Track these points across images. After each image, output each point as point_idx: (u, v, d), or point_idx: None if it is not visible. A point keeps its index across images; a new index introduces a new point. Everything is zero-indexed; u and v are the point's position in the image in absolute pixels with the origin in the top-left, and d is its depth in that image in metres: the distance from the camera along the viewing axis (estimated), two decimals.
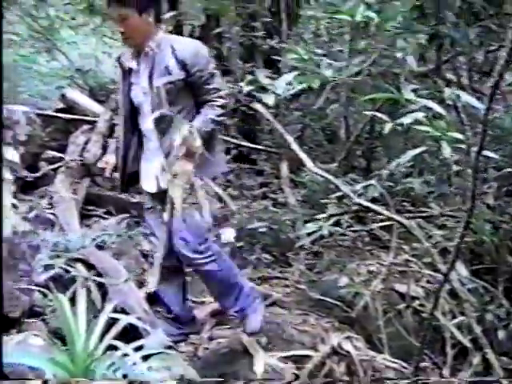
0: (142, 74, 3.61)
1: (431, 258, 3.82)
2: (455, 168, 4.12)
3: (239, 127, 7.54)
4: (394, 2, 4.21)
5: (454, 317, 3.95)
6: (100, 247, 4.48)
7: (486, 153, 2.85)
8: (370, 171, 6.07)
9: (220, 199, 3.64)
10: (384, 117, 3.00)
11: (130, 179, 3.84)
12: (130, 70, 3.66)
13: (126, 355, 2.83)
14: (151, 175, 3.72)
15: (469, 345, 3.80)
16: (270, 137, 6.94)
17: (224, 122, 3.71)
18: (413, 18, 4.36)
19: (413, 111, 2.98)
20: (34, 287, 3.89)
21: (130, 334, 3.22)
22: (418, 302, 4.07)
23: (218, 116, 3.53)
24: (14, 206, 4.60)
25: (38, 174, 5.70)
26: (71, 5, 11.70)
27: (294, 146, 3.96)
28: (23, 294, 3.86)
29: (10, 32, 11.86)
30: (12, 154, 5.23)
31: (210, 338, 3.94)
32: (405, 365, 3.60)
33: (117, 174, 3.89)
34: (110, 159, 3.90)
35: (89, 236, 4.51)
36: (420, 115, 2.91)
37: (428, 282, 4.23)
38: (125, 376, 2.74)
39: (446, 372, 3.81)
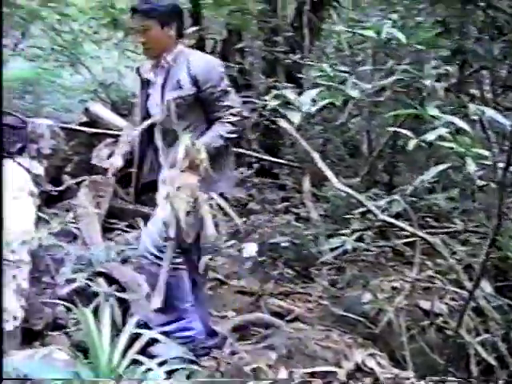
0: (157, 86, 3.63)
1: (456, 274, 3.79)
2: (479, 183, 4.08)
3: (261, 141, 7.57)
4: (418, 17, 4.21)
5: (479, 334, 3.90)
6: (122, 261, 4.49)
7: None
8: (392, 186, 6.04)
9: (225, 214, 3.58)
10: (408, 133, 2.99)
11: (145, 189, 3.83)
12: (148, 81, 3.69)
13: (149, 370, 2.84)
14: None
15: (494, 362, 3.76)
16: (293, 151, 6.95)
17: (234, 140, 3.65)
18: (436, 34, 4.35)
19: (435, 128, 2.97)
20: (57, 300, 3.92)
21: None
22: (441, 318, 4.03)
23: (228, 133, 3.51)
24: (45, 220, 4.62)
25: (61, 188, 5.74)
26: (94, 19, 11.81)
27: (320, 163, 3.95)
28: (46, 307, 3.89)
29: (33, 46, 12.01)
30: (36, 168, 5.26)
31: (233, 353, 3.92)
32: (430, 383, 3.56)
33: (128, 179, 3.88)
34: (116, 161, 3.86)
35: (112, 250, 4.53)
36: (444, 131, 2.90)
37: (452, 298, 4.19)
38: None
39: None
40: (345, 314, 4.17)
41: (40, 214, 4.63)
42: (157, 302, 3.40)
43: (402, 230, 4.04)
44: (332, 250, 4.19)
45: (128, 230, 5.51)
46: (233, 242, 5.46)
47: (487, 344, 3.86)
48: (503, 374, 3.67)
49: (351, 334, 4.00)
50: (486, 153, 2.90)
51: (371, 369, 3.56)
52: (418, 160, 6.11)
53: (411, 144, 2.84)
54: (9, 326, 3.47)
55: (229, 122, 3.51)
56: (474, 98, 5.15)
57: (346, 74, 3.74)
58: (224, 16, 8.18)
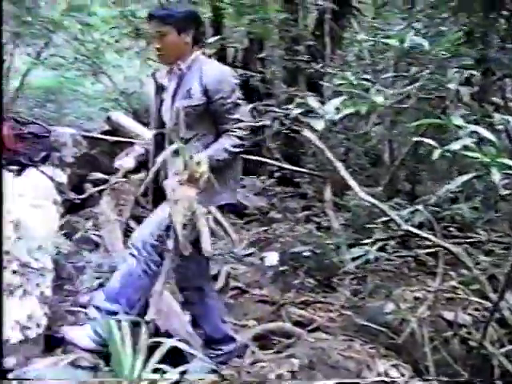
0: (169, 92, 3.60)
1: (479, 285, 3.75)
2: (504, 192, 4.04)
3: (282, 150, 7.58)
4: (441, 26, 4.19)
5: (503, 345, 3.85)
6: None
7: None
8: (414, 195, 6.02)
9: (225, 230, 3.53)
10: (432, 142, 2.97)
11: (163, 195, 3.80)
12: (163, 86, 3.66)
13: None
14: None
15: None
16: (314, 160, 6.94)
17: (240, 153, 3.59)
18: (459, 43, 4.33)
19: (459, 137, 2.95)
20: (79, 308, 3.94)
21: (174, 356, 3.23)
22: (465, 329, 3.99)
23: (234, 147, 3.46)
24: (68, 228, 4.65)
25: (84, 196, 5.77)
26: (116, 28, 11.90)
27: (343, 173, 3.93)
28: (68, 315, 3.91)
29: (56, 55, 12.11)
30: (60, 176, 5.30)
31: (254, 362, 3.91)
32: None
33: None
34: (126, 163, 3.86)
35: None
36: (469, 141, 2.88)
37: (476, 309, 4.14)
38: None
39: None
40: (367, 324, 4.14)
41: (63, 222, 4.67)
42: (151, 313, 3.38)
43: (425, 239, 4.00)
44: (354, 259, 4.16)
45: None
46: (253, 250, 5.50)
47: (511, 355, 3.82)
48: None
49: (373, 344, 3.97)
50: (511, 162, 2.87)
51: (394, 380, 3.53)
52: (440, 169, 6.08)
53: (436, 154, 2.82)
54: (32, 334, 3.48)
55: (236, 136, 3.47)
56: (498, 108, 5.10)
57: (369, 83, 3.72)
58: (245, 25, 8.19)
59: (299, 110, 3.46)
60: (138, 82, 11.62)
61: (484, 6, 5.01)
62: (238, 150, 3.49)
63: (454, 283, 4.28)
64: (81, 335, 3.48)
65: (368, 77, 3.79)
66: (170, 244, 3.34)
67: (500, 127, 3.38)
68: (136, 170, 3.89)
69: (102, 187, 5.87)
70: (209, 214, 3.35)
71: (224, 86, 3.47)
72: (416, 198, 5.30)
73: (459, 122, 2.97)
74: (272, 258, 5.25)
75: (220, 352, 3.84)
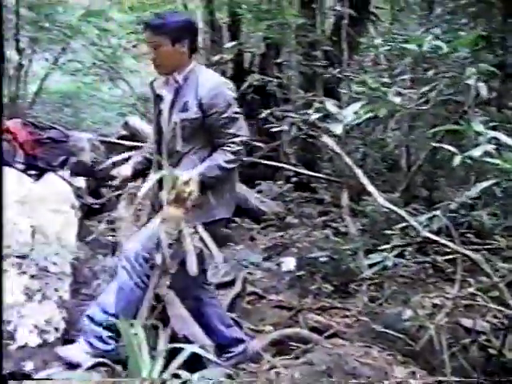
0: (166, 104, 3.52)
1: (499, 292, 3.72)
2: None
3: (299, 155, 7.57)
4: (460, 32, 4.18)
5: None
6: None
7: None
8: (431, 201, 5.99)
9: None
10: (452, 149, 2.95)
11: None
12: (161, 96, 3.58)
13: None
14: None
15: None
16: (331, 165, 6.93)
17: (233, 169, 3.53)
18: (478, 48, 4.31)
19: (477, 144, 2.93)
20: None
21: (190, 361, 3.24)
22: (484, 337, 3.96)
23: (228, 162, 3.41)
24: (85, 233, 4.67)
25: (102, 201, 5.79)
26: (134, 33, 11.96)
27: (363, 179, 3.92)
28: None
29: (74, 60, 12.20)
30: (78, 181, 5.33)
31: (270, 368, 3.90)
32: None
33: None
34: (124, 170, 3.77)
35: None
36: (489, 147, 2.86)
37: (494, 316, 4.11)
38: None
39: None
40: (385, 330, 4.12)
41: (80, 227, 4.69)
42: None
43: (444, 246, 3.97)
44: (371, 265, 4.14)
45: None
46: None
47: None
48: None
49: (391, 351, 3.95)
50: None
51: None
52: (457, 175, 6.05)
53: (456, 160, 2.80)
54: (50, 338, 3.51)
55: (230, 151, 3.41)
56: None
57: (387, 87, 3.71)
58: (262, 30, 8.21)
59: (317, 115, 3.43)
60: None
61: (503, 11, 5.00)
62: (231, 165, 3.44)
63: (472, 290, 4.23)
64: (76, 351, 3.41)
65: (386, 80, 3.77)
66: (158, 259, 3.29)
67: None
68: (134, 178, 3.84)
69: (119, 192, 5.90)
70: (196, 233, 3.29)
71: (219, 101, 3.40)
72: (433, 204, 5.27)
73: (479, 127, 2.96)
74: (289, 263, 5.24)
75: (230, 355, 3.83)
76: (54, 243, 4.13)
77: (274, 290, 5.07)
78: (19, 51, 12.32)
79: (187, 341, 3.49)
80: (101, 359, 3.28)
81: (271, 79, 7.07)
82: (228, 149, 3.42)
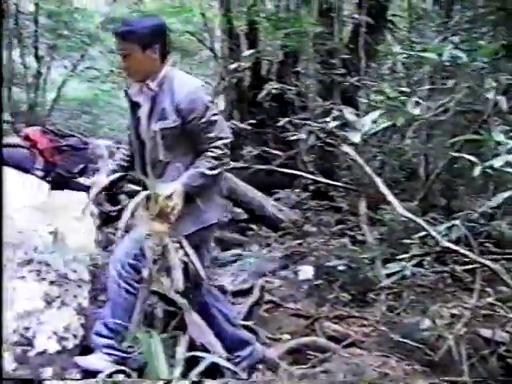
0: (144, 112, 3.38)
1: None
2: None
3: (317, 163, 7.56)
4: (480, 41, 4.16)
5: None
6: None
7: None
8: (449, 210, 5.96)
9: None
10: (472, 158, 2.94)
11: None
12: (138, 103, 3.44)
13: None
14: None
15: None
16: (348, 173, 6.92)
17: (218, 175, 3.43)
18: (498, 57, 4.30)
19: (497, 153, 2.92)
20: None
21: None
22: (503, 347, 3.93)
23: (211, 169, 3.32)
24: (103, 240, 4.68)
25: (119, 207, 5.80)
26: None
27: (383, 188, 3.91)
28: None
29: (92, 68, 12.29)
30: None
31: (288, 376, 3.89)
32: None
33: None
34: (99, 180, 3.68)
35: None
36: (511, 157, 2.85)
37: None
38: None
39: None
40: (403, 340, 4.09)
41: (99, 234, 4.71)
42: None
43: (463, 256, 3.95)
44: (390, 275, 4.12)
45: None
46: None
47: None
48: None
49: (409, 360, 3.93)
50: None
51: None
52: (476, 184, 6.02)
53: (477, 170, 2.79)
54: (69, 344, 3.52)
55: (212, 157, 3.33)
56: None
57: (406, 96, 3.70)
58: (280, 38, 8.23)
59: (336, 123, 3.42)
60: None
61: None
62: (215, 171, 3.36)
63: (491, 300, 4.22)
64: (95, 360, 3.42)
65: (405, 89, 3.76)
66: (144, 273, 3.23)
67: None
68: (111, 186, 3.78)
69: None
70: (180, 248, 3.21)
71: (197, 105, 3.31)
72: (451, 213, 5.25)
73: (500, 137, 2.94)
74: (307, 271, 5.23)
75: (238, 359, 3.77)
76: (73, 250, 4.14)
77: (292, 299, 5.05)
78: (38, 59, 12.44)
79: (204, 349, 3.49)
80: (120, 367, 3.29)
81: (289, 87, 7.07)
82: (211, 154, 3.33)
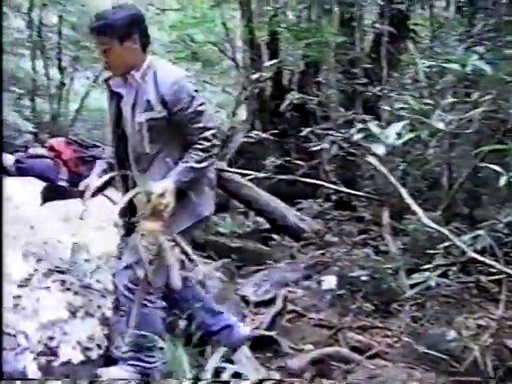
0: (128, 104, 3.33)
1: None
2: None
3: (339, 173, 7.54)
4: (505, 50, 4.13)
5: None
6: None
7: None
8: (473, 219, 5.90)
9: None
10: (498, 168, 2.92)
11: None
12: (120, 95, 3.38)
13: None
14: None
15: None
16: (371, 183, 6.88)
17: (208, 168, 3.39)
18: None
19: None
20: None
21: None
22: None
23: (200, 162, 3.27)
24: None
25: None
26: (173, 52, 12.10)
27: (408, 199, 3.88)
28: None
29: None
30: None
31: None
32: None
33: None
34: (91, 182, 3.57)
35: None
36: None
37: None
38: None
39: None
40: (428, 351, 4.05)
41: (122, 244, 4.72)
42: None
43: (489, 266, 3.91)
44: (414, 285, 4.09)
45: (207, 260, 5.53)
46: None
47: None
48: None
49: (435, 372, 3.88)
50: None
51: None
52: (500, 193, 5.96)
53: (502, 181, 2.77)
54: (93, 355, 3.53)
55: (200, 149, 3.27)
56: None
57: (430, 107, 3.68)
58: (301, 48, 8.24)
59: (360, 135, 3.40)
60: None
61: None
62: (204, 164, 3.31)
63: None
64: (119, 371, 3.41)
65: (429, 101, 3.73)
66: (139, 273, 3.24)
67: None
68: (104, 186, 3.70)
69: None
70: (176, 245, 3.24)
71: (182, 95, 3.24)
72: (475, 222, 5.20)
73: None
74: (330, 281, 5.20)
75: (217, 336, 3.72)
76: (97, 260, 4.16)
77: (315, 309, 5.02)
78: (61, 70, 12.57)
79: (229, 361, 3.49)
80: (144, 378, 3.30)
81: (311, 97, 7.06)
82: (199, 147, 3.28)
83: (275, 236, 6.86)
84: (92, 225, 4.47)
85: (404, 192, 3.96)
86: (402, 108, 3.60)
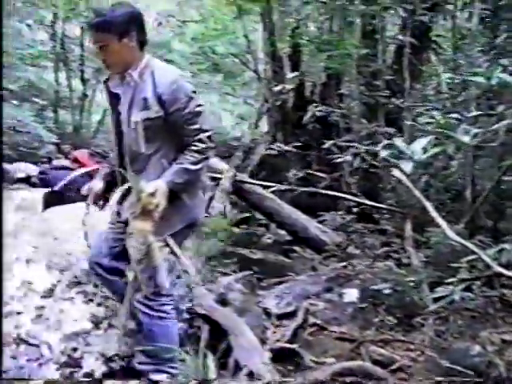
0: (125, 103, 3.33)
1: None
2: None
3: (361, 185, 7.52)
4: None
5: None
6: (223, 303, 4.51)
7: None
8: (497, 232, 5.85)
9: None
10: None
11: None
12: (118, 95, 3.38)
13: None
14: None
15: None
16: (393, 195, 6.85)
17: (202, 170, 3.38)
18: None
19: None
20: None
21: None
22: None
23: (195, 164, 3.26)
24: None
25: None
26: (195, 64, 12.16)
27: (433, 212, 3.84)
28: None
29: None
30: None
31: None
32: None
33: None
34: (95, 186, 3.55)
35: (214, 292, 4.58)
36: None
37: None
38: None
39: None
40: (452, 365, 4.00)
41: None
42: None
43: None
44: (437, 299, 4.05)
45: (228, 272, 5.53)
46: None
47: None
48: None
49: None
50: None
51: None
52: None
53: None
54: (116, 366, 3.54)
55: (195, 151, 3.26)
56: None
57: (455, 120, 3.65)
58: (323, 60, 8.25)
59: (387, 152, 3.35)
60: (215, 117, 11.78)
61: None
62: (199, 166, 3.30)
63: None
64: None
65: (454, 115, 3.70)
66: (129, 276, 3.25)
67: None
68: (107, 190, 3.68)
69: None
70: (166, 246, 3.25)
71: (180, 96, 3.23)
72: (499, 235, 5.16)
73: None
74: (351, 294, 5.17)
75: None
76: None
77: (336, 322, 4.99)
78: (84, 81, 12.69)
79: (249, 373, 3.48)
80: None
81: (333, 109, 7.06)
82: (194, 149, 3.27)
83: (297, 248, 6.83)
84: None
85: (429, 205, 3.92)
86: (428, 123, 3.56)
